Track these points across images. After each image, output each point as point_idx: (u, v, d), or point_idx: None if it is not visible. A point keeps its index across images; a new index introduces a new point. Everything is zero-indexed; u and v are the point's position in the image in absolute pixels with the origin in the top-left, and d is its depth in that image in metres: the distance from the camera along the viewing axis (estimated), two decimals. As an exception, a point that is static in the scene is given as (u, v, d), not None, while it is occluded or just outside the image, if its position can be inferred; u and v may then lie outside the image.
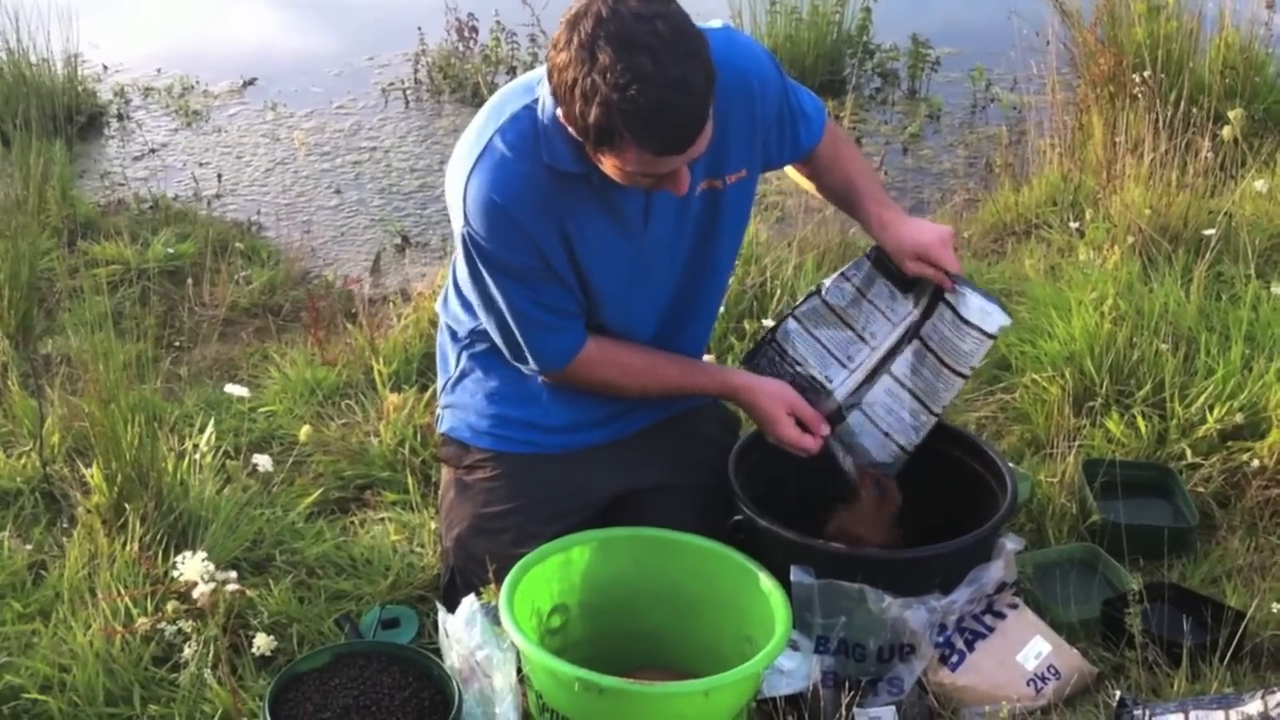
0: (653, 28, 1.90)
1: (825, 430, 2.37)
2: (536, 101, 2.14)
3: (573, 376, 2.37)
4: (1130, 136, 4.14)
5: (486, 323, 2.34)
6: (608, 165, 2.05)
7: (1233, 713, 2.07)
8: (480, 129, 2.20)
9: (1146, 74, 4.24)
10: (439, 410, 2.60)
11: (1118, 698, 2.17)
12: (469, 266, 2.25)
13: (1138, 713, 2.12)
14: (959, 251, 4.20)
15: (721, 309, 3.38)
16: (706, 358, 2.70)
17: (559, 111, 2.04)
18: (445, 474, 2.59)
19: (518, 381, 2.44)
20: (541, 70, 2.12)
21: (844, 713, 2.12)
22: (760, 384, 2.40)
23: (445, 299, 2.54)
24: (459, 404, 2.52)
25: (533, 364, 2.35)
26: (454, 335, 2.53)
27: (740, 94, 2.22)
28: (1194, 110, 4.06)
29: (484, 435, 2.48)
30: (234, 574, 2.14)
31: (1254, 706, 2.05)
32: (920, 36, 6.18)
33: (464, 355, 2.50)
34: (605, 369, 2.37)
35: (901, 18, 6.37)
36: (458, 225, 2.22)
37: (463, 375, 2.52)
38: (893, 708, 2.22)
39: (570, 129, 2.04)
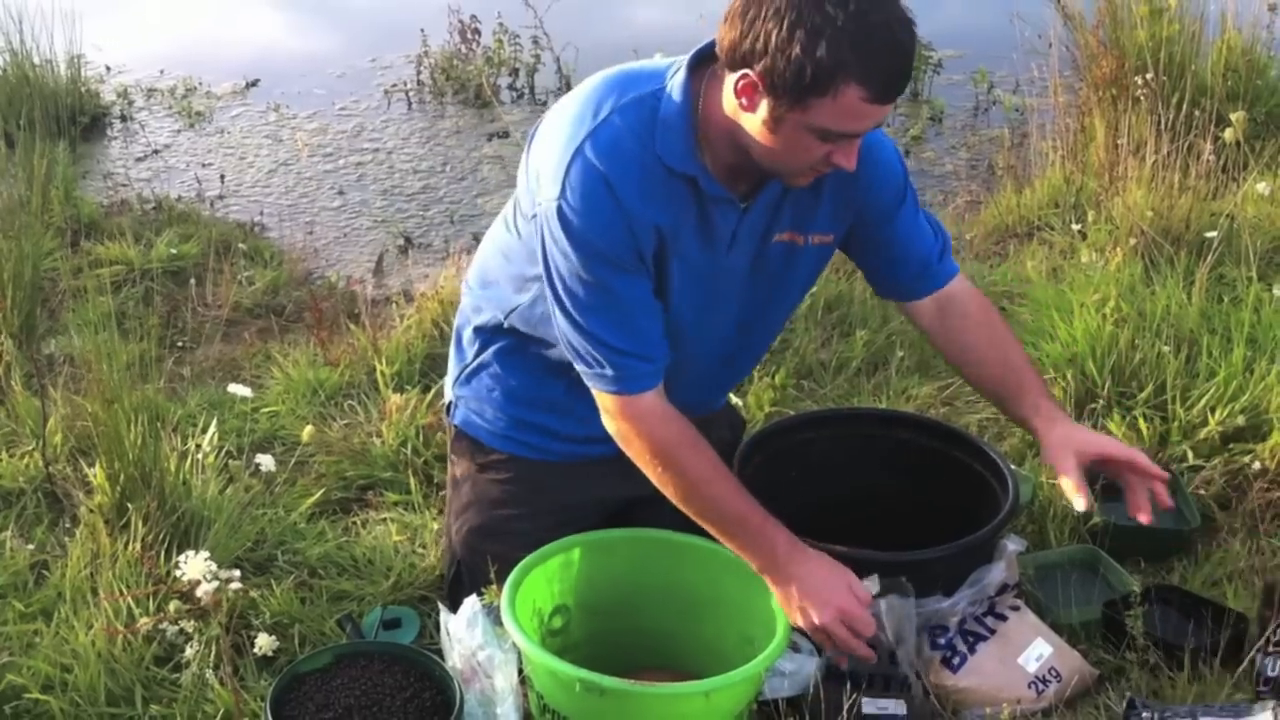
0: None
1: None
2: (664, 90, 2.07)
3: (633, 419, 2.16)
4: (1132, 139, 4.14)
5: (555, 317, 2.15)
6: (790, 130, 1.95)
7: (1241, 722, 2.07)
8: (595, 101, 2.09)
9: (1149, 76, 4.24)
10: (450, 397, 2.50)
11: (1126, 699, 2.17)
12: (551, 245, 2.09)
13: (1145, 716, 2.12)
14: (961, 255, 4.20)
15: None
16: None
17: (742, 80, 1.95)
18: (454, 466, 2.51)
19: (538, 385, 2.35)
20: (672, 60, 2.09)
21: (845, 715, 2.12)
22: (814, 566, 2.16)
23: (480, 281, 2.40)
24: (474, 397, 2.44)
25: (598, 373, 2.14)
26: (480, 321, 2.40)
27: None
28: (1196, 113, 4.06)
29: (499, 437, 2.42)
30: (237, 573, 2.14)
31: (1263, 718, 2.05)
32: (922, 39, 6.16)
33: (485, 346, 2.40)
34: (671, 432, 2.16)
35: (904, 20, 6.37)
36: (550, 196, 2.06)
37: (480, 367, 2.42)
38: (902, 701, 2.21)
39: (749, 100, 1.96)
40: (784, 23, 1.87)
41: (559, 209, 2.05)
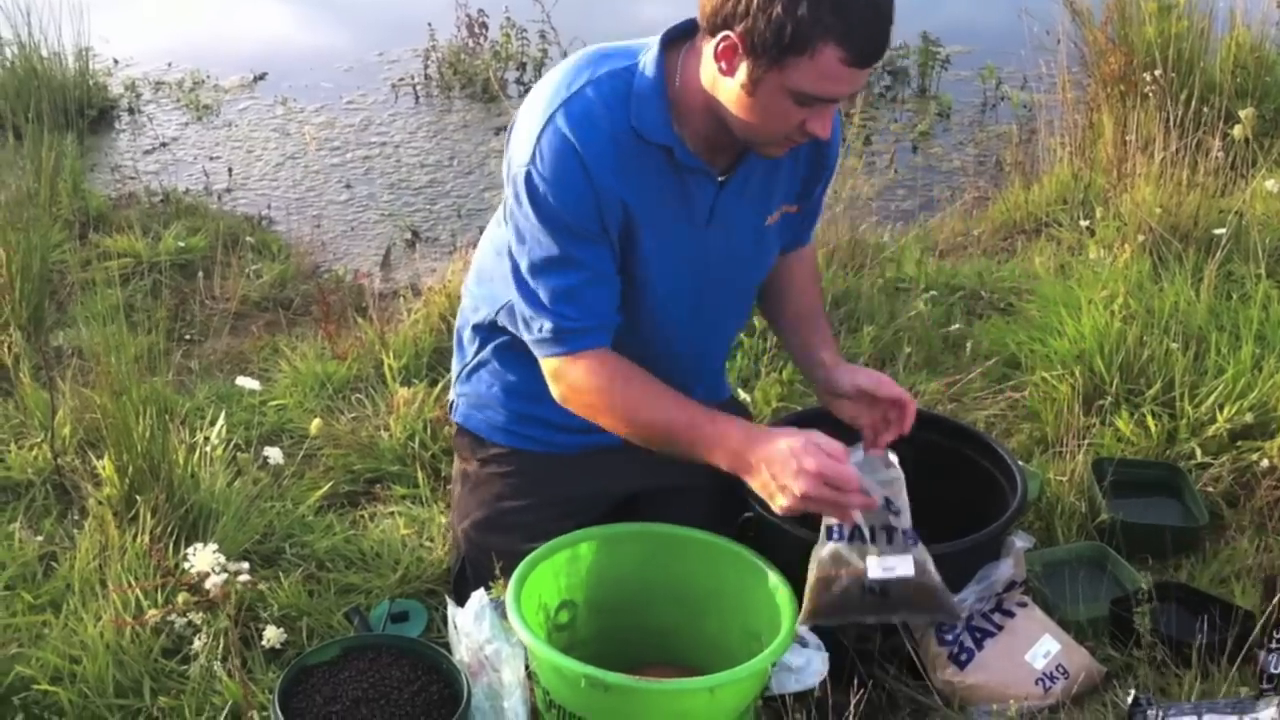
0: None
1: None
2: (638, 65, 2.11)
3: (568, 376, 2.19)
4: (1141, 135, 4.13)
5: (511, 275, 2.19)
6: (769, 92, 1.98)
7: (1247, 718, 2.06)
8: (571, 74, 2.13)
9: (1157, 73, 4.24)
10: (452, 396, 2.55)
11: (1131, 697, 2.17)
12: (516, 209, 2.13)
13: (1151, 713, 2.11)
14: (968, 251, 4.20)
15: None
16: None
17: (722, 43, 1.97)
18: (458, 463, 2.56)
19: (537, 378, 2.33)
20: (645, 40, 2.13)
21: (853, 712, 2.12)
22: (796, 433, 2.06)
23: (477, 279, 2.45)
24: (474, 394, 2.48)
25: (538, 336, 2.18)
26: (477, 320, 2.44)
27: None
28: (1205, 109, 4.06)
29: (499, 431, 2.45)
30: (245, 565, 2.14)
31: (1268, 714, 2.05)
32: (931, 35, 6.18)
33: (484, 344, 2.44)
34: (603, 375, 2.17)
35: (911, 16, 6.33)
36: (520, 162, 2.10)
37: (480, 364, 2.46)
38: (908, 557, 2.08)
39: (728, 63, 1.98)
40: None
41: (528, 174, 2.09)
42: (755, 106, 2.01)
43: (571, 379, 2.20)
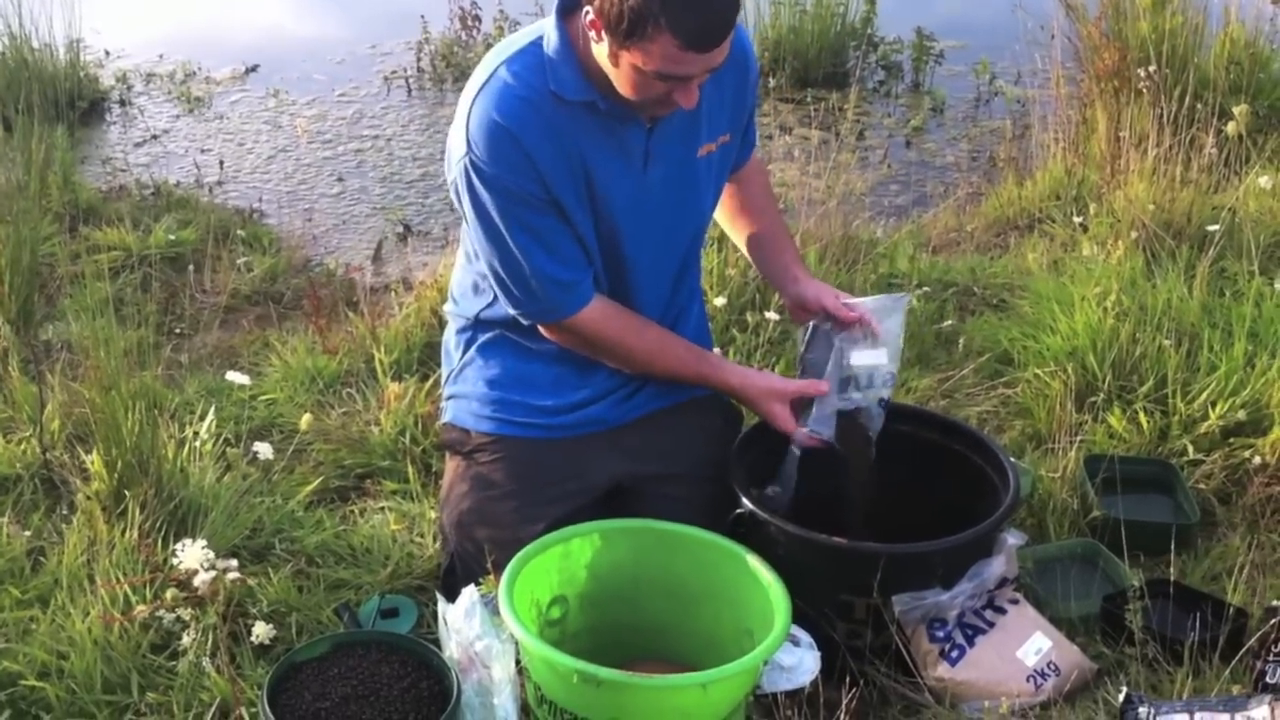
0: None
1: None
2: (542, 38, 2.21)
3: (577, 332, 2.35)
4: (1134, 131, 4.14)
5: (488, 267, 2.31)
6: (626, 67, 2.08)
7: (1238, 715, 2.05)
8: (486, 65, 2.24)
9: (1151, 69, 4.23)
10: (442, 403, 2.61)
11: (1123, 695, 2.16)
12: (471, 200, 2.23)
13: (1143, 711, 2.11)
14: (961, 247, 4.21)
15: (724, 301, 3.39)
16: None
17: (588, 16, 2.07)
18: (448, 463, 2.58)
19: (519, 365, 2.45)
20: (544, 20, 2.22)
21: (844, 709, 2.11)
22: (752, 383, 2.42)
23: (457, 290, 2.54)
24: (461, 394, 2.53)
25: (533, 310, 2.33)
26: (460, 327, 2.53)
27: (738, 62, 2.29)
28: (1198, 105, 4.06)
29: (485, 420, 2.49)
30: (234, 562, 2.13)
31: (1260, 712, 2.04)
32: (924, 29, 6.18)
33: (468, 346, 2.51)
34: (613, 329, 2.36)
35: (905, 10, 6.37)
36: (458, 157, 2.22)
37: (465, 365, 2.53)
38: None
39: (597, 34, 2.07)
40: None
41: (470, 163, 2.20)
42: (620, 77, 2.12)
43: (580, 334, 2.36)
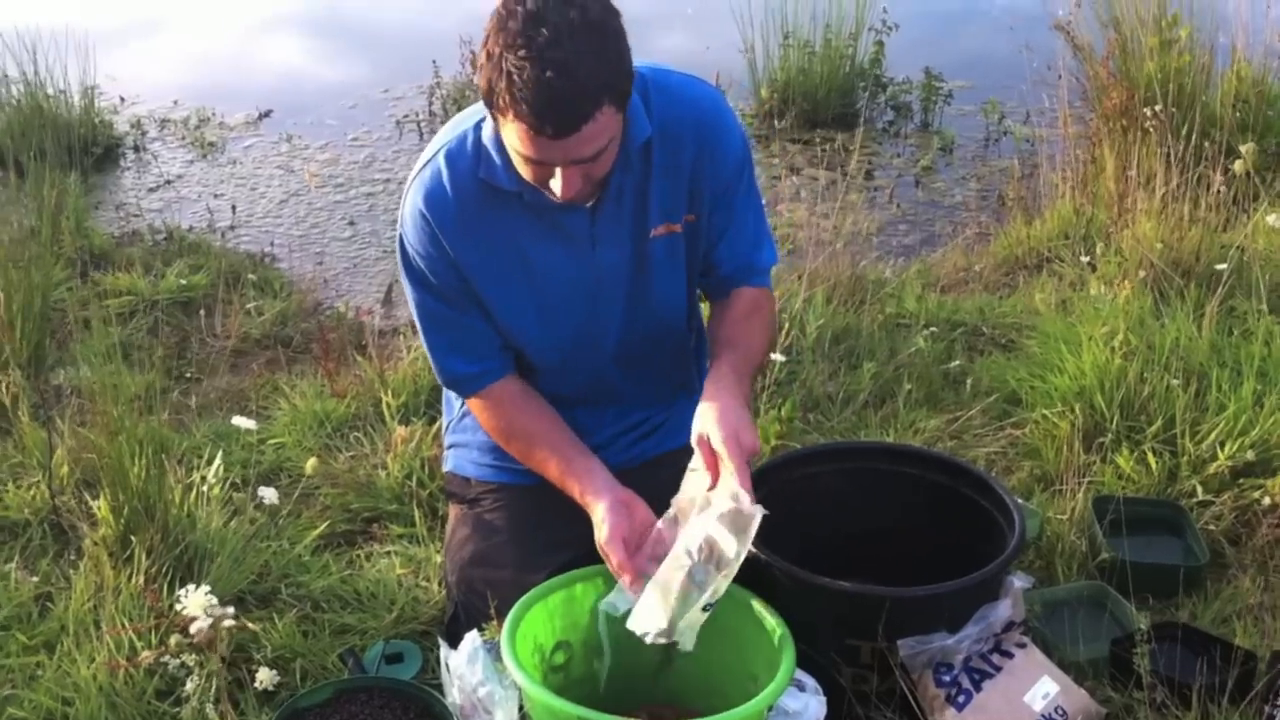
0: (566, 14, 1.93)
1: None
2: (483, 120, 2.18)
3: (478, 411, 2.41)
4: (1142, 170, 4.13)
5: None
6: (508, 148, 2.07)
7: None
8: (433, 145, 2.26)
9: (1158, 108, 4.24)
10: (444, 451, 2.62)
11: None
12: (403, 271, 2.31)
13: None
14: (970, 287, 4.20)
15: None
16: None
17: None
18: (451, 510, 2.59)
19: None
20: None
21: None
22: (607, 499, 2.19)
23: None
24: (461, 442, 2.56)
25: (442, 381, 2.44)
26: None
27: (699, 139, 2.23)
28: (1206, 144, 4.06)
29: (485, 468, 2.51)
30: (231, 610, 2.12)
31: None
32: (933, 70, 6.21)
33: None
34: (501, 417, 2.37)
35: (914, 51, 6.40)
36: (398, 229, 2.30)
37: (465, 413, 2.54)
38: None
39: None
40: (485, 44, 1.98)
41: (400, 240, 2.28)
42: (508, 154, 2.10)
43: (480, 417, 2.41)
